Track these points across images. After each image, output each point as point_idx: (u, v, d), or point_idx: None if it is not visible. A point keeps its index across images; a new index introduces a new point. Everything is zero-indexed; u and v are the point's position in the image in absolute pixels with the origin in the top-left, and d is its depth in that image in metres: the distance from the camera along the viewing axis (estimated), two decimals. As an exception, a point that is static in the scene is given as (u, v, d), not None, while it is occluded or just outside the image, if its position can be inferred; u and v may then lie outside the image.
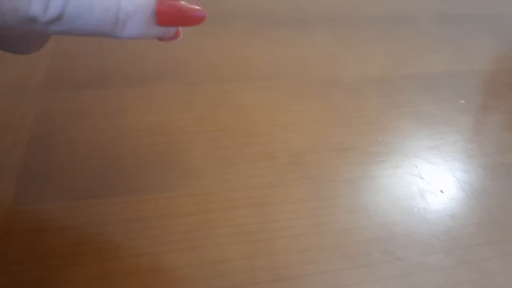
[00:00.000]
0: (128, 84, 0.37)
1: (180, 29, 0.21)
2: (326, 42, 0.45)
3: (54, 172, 0.29)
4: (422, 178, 0.31)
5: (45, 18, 0.16)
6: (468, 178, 0.31)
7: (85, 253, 0.25)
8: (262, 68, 0.40)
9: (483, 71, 0.43)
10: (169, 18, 0.19)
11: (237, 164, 0.31)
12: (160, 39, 0.21)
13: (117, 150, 0.31)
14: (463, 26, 0.50)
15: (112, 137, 0.32)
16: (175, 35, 0.21)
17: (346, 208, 0.28)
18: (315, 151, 0.32)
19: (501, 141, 0.35)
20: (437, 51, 0.45)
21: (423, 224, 0.28)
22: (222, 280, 0.24)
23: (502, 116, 0.37)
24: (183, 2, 0.19)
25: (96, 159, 0.30)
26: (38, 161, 0.29)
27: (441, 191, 0.30)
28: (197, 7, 0.19)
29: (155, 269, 0.24)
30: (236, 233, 0.26)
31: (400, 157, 0.32)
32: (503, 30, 0.50)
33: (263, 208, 0.28)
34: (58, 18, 0.16)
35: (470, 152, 0.33)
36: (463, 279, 0.25)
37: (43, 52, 0.39)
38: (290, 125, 0.34)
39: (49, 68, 0.38)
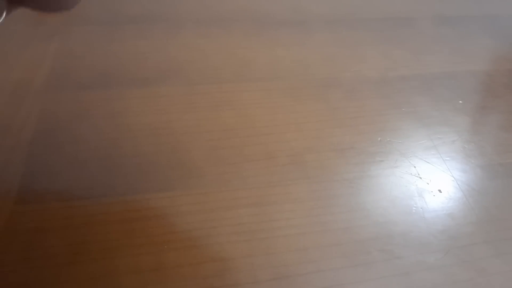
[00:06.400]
0: (130, 85, 0.37)
1: None
2: (325, 44, 0.45)
3: (56, 171, 0.29)
4: (420, 177, 0.31)
5: None
6: (466, 177, 0.32)
7: (87, 252, 0.25)
8: (262, 69, 0.40)
9: (481, 72, 0.43)
10: None
11: (237, 164, 0.31)
12: None
13: (118, 150, 0.31)
14: (461, 27, 0.50)
15: (114, 137, 0.32)
16: None
17: (345, 208, 0.29)
18: (314, 151, 0.32)
19: (499, 141, 0.35)
20: (435, 52, 0.45)
21: (422, 223, 0.28)
22: (223, 279, 0.24)
23: (500, 117, 0.38)
24: None
25: (98, 159, 0.30)
26: (41, 160, 0.30)
27: (439, 190, 0.31)
28: None
29: (156, 268, 0.24)
30: (236, 232, 0.27)
31: (399, 157, 0.33)
32: (501, 32, 0.50)
33: (263, 207, 0.28)
34: None
35: (468, 152, 0.34)
36: (461, 278, 0.25)
37: (46, 53, 0.40)
38: (289, 125, 0.34)
39: (51, 68, 0.38)
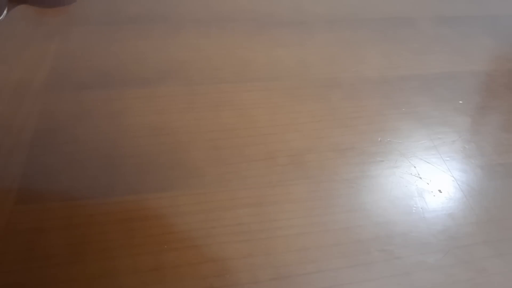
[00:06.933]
0: (130, 85, 0.37)
1: None
2: (325, 44, 0.45)
3: (56, 171, 0.29)
4: (420, 178, 0.31)
5: None
6: (466, 178, 0.32)
7: (87, 252, 0.25)
8: (262, 69, 0.40)
9: (481, 72, 0.43)
10: None
11: (237, 164, 0.31)
12: None
13: (118, 150, 0.31)
14: (461, 27, 0.50)
15: (114, 137, 0.32)
16: None
17: (345, 208, 0.29)
18: (314, 151, 0.32)
19: (499, 141, 0.35)
20: (435, 52, 0.45)
21: (422, 223, 0.28)
22: (223, 279, 0.24)
23: (500, 117, 0.38)
24: None
25: (98, 159, 0.30)
26: (41, 160, 0.30)
27: (439, 190, 0.31)
28: None
29: (156, 268, 0.24)
30: (236, 232, 0.26)
31: (399, 157, 0.33)
32: (501, 32, 0.50)
33: (262, 207, 0.28)
34: None
35: (468, 152, 0.34)
36: (461, 278, 0.25)
37: (46, 53, 0.40)
38: (289, 125, 0.34)
39: (51, 69, 0.38)
